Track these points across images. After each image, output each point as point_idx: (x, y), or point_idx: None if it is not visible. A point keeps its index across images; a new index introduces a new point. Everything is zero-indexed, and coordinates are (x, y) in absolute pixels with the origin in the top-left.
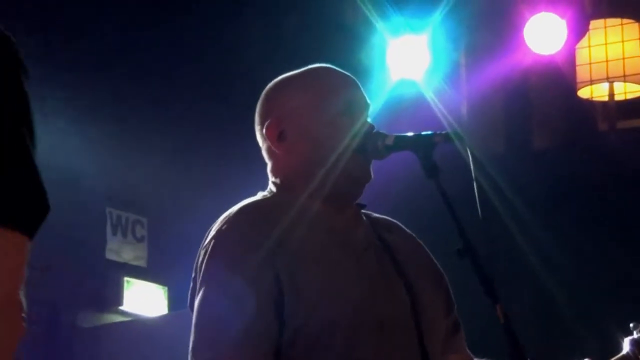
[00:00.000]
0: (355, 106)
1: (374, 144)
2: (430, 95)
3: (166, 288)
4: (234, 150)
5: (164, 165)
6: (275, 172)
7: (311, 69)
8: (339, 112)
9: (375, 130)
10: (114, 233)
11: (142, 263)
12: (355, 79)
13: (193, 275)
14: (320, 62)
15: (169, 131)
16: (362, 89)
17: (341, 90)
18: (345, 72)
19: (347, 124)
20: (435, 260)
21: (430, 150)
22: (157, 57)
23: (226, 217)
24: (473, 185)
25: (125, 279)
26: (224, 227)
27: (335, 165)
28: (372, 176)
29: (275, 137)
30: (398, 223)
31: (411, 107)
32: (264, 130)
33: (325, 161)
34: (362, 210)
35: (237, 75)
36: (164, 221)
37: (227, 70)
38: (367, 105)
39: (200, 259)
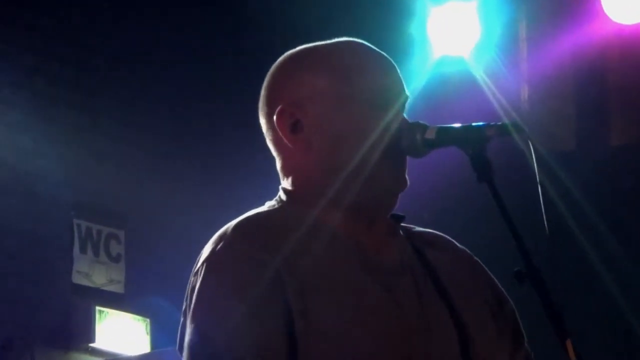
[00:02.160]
0: (391, 96)
1: (411, 138)
2: (481, 77)
3: (148, 320)
4: (235, 151)
5: (146, 167)
6: (286, 172)
7: (337, 44)
8: (370, 103)
9: (412, 121)
10: (83, 250)
11: (118, 288)
12: (392, 61)
13: (183, 307)
14: (346, 34)
15: (152, 125)
16: (399, 73)
17: (374, 74)
18: (380, 51)
19: (378, 117)
20: (497, 283)
21: (483, 146)
22: (139, 34)
23: (222, 233)
24: (537, 190)
25: (98, 308)
26: (219, 247)
27: (360, 168)
28: (408, 182)
29: (288, 127)
30: (447, 237)
31: (457, 91)
32: (273, 118)
33: (349, 163)
34: (401, 224)
35: (241, 59)
36: (145, 235)
37: (229, 53)
38: (404, 96)
39: (191, 287)
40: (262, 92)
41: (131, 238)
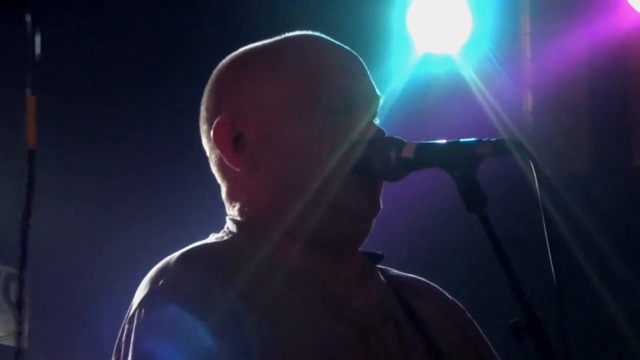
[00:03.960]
0: (357, 100)
1: (384, 158)
2: (473, 80)
3: None
4: (173, 170)
5: (56, 191)
6: (231, 198)
7: (289, 39)
8: (331, 109)
9: (386, 137)
10: None
11: (19, 342)
12: (358, 57)
13: None
14: (308, 28)
15: (60, 135)
16: (367, 71)
17: (335, 74)
18: (342, 46)
19: (342, 126)
20: (487, 342)
21: (473, 168)
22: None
23: (163, 267)
24: (540, 222)
25: None
26: (159, 285)
27: (321, 193)
28: (381, 206)
29: (229, 143)
30: (434, 285)
31: (443, 99)
32: (211, 133)
33: (303, 186)
34: (378, 266)
35: (185, 63)
36: (55, 276)
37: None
38: (375, 99)
39: (125, 335)
40: (202, 108)
41: (37, 280)
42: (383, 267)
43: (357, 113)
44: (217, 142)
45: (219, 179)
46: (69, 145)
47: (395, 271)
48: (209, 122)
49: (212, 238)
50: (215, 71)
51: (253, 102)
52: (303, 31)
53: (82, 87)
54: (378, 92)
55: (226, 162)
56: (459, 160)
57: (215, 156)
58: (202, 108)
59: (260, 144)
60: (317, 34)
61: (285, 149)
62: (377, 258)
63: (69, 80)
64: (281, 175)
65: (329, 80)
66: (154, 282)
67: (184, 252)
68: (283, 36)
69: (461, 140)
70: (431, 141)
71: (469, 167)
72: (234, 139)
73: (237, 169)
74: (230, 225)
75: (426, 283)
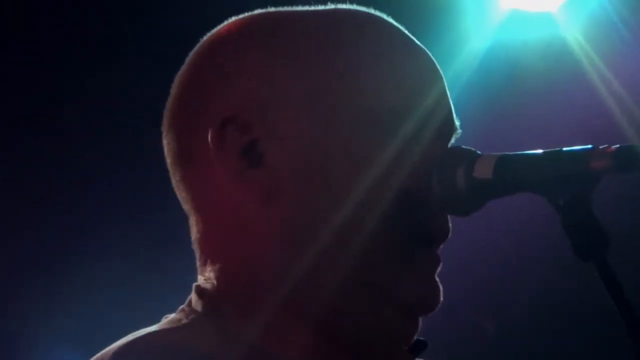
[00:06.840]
0: (430, 126)
1: (447, 180)
2: (583, 50)
3: None
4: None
5: None
6: (216, 248)
7: (342, 14)
8: (395, 130)
9: (451, 147)
10: None
11: None
12: (434, 60)
13: None
14: None
15: None
16: (445, 85)
17: (402, 77)
18: (422, 46)
19: (405, 155)
20: None
21: (586, 191)
22: None
23: None
24: None
25: None
26: None
27: (353, 248)
28: (441, 299)
29: (238, 153)
30: None
31: (538, 78)
32: (200, 132)
33: (343, 237)
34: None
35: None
36: None
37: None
38: (451, 131)
39: None
40: (178, 89)
41: None
42: None
43: (429, 140)
44: (218, 150)
45: (193, 213)
46: None
47: None
48: (194, 112)
49: (166, 323)
50: (214, 36)
51: (280, 95)
52: (360, 7)
53: None
54: (456, 121)
55: (223, 182)
56: (563, 181)
57: (191, 164)
58: (179, 90)
59: (288, 159)
60: (382, 15)
61: (325, 172)
62: (418, 347)
63: None
64: (307, 214)
65: (396, 86)
66: None
67: (119, 351)
68: (329, 7)
69: (566, 148)
70: (519, 152)
71: (579, 191)
72: (244, 148)
73: (244, 197)
74: (194, 300)
75: None
